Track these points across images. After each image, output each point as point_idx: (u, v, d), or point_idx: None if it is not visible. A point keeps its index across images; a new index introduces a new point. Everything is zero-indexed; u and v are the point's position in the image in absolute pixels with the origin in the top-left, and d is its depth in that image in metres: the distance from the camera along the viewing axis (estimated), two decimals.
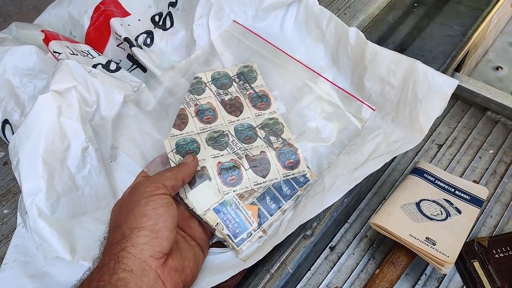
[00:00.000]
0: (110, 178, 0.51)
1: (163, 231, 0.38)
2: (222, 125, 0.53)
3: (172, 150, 0.49)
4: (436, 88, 0.49)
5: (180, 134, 0.52)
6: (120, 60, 0.66)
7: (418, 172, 0.58)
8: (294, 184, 0.49)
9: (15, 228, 0.47)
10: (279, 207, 0.48)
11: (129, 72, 0.61)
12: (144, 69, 0.64)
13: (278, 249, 0.48)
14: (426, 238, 0.49)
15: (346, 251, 0.56)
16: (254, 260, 0.43)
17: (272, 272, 0.46)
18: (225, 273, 0.43)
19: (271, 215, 0.47)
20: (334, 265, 0.55)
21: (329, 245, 0.56)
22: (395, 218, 0.51)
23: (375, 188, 0.61)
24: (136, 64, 0.65)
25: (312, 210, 0.45)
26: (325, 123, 0.53)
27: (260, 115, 0.55)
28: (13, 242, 0.46)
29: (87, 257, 0.43)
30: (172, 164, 0.48)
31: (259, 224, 0.46)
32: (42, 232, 0.42)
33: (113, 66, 0.58)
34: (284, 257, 0.47)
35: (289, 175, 0.50)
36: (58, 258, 0.43)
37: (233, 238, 0.45)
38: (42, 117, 0.45)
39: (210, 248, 0.47)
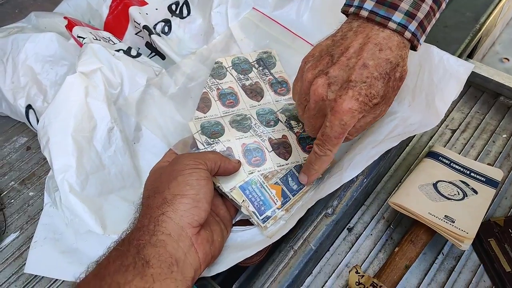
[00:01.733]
0: (134, 159, 0.52)
1: (202, 202, 0.39)
2: (244, 109, 0.55)
3: (197, 131, 0.50)
4: (451, 72, 0.50)
5: (204, 117, 0.53)
6: (139, 48, 0.67)
7: (434, 155, 0.59)
8: None
9: (41, 210, 0.48)
10: (301, 189, 0.49)
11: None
12: (163, 56, 0.66)
13: (301, 227, 0.49)
14: (445, 216, 0.50)
15: (364, 232, 0.56)
16: (279, 235, 0.44)
17: (296, 248, 0.47)
18: (250, 249, 0.44)
19: (293, 195, 0.49)
20: (353, 245, 0.56)
21: (347, 226, 0.57)
22: (414, 198, 0.52)
23: (390, 172, 0.62)
24: (155, 51, 0.66)
25: (331, 186, 0.46)
26: None
27: (280, 100, 0.57)
28: (41, 221, 0.47)
29: (117, 231, 0.44)
30: (199, 145, 0.49)
31: (283, 203, 0.48)
32: (74, 207, 0.43)
33: (133, 52, 0.60)
34: (307, 234, 0.48)
35: None
36: (90, 233, 0.44)
37: (258, 215, 0.46)
38: (70, 96, 0.46)
39: (233, 227, 0.48)
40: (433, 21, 0.43)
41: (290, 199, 0.48)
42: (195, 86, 0.58)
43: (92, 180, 0.46)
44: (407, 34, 0.40)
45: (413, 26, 0.40)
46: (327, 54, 0.42)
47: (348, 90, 0.39)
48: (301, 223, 0.49)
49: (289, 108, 0.55)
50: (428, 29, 0.43)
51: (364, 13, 0.40)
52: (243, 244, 0.46)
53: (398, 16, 0.40)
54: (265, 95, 0.57)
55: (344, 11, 0.44)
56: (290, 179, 0.49)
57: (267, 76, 0.58)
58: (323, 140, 0.42)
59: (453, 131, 0.65)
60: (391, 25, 0.40)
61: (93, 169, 0.46)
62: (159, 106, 0.55)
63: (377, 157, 0.47)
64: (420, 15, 0.40)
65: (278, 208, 0.48)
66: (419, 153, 0.63)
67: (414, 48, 0.43)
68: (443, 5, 0.43)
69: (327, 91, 0.40)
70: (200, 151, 0.49)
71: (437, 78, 0.49)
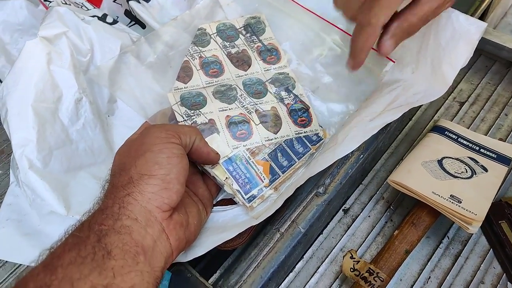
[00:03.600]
0: (107, 133, 0.47)
1: (174, 183, 0.34)
2: (229, 79, 0.50)
3: (177, 103, 0.45)
4: (461, 32, 0.44)
5: (184, 88, 0.48)
6: (118, 17, 0.61)
7: (439, 129, 0.54)
8: (307, 142, 0.46)
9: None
10: (291, 165, 0.44)
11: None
12: (143, 25, 0.60)
13: (289, 207, 0.44)
14: (451, 195, 0.44)
15: (361, 214, 0.52)
16: (265, 216, 0.40)
17: (283, 231, 0.42)
18: (232, 231, 0.40)
19: (283, 172, 0.44)
20: (348, 228, 0.51)
21: (343, 207, 0.52)
22: (416, 175, 0.47)
23: (391, 148, 0.57)
24: (134, 20, 0.61)
25: (323, 162, 0.41)
26: (340, 78, 0.49)
27: (270, 69, 0.51)
28: (5, 201, 0.43)
29: (82, 212, 0.39)
30: (178, 117, 0.44)
31: (271, 181, 0.43)
32: (34, 185, 0.39)
33: (109, 19, 0.54)
34: (295, 215, 0.43)
35: (301, 133, 0.46)
36: (53, 213, 0.40)
37: (243, 194, 0.42)
38: (30, 64, 0.41)
39: (214, 207, 0.44)
40: None
41: (279, 176, 0.44)
42: (176, 54, 0.52)
43: (57, 156, 0.41)
44: None
45: None
46: None
47: None
48: (289, 203, 0.45)
49: (279, 78, 0.50)
50: None
51: None
52: (224, 226, 0.42)
53: None
54: (253, 63, 0.51)
55: None
56: (279, 154, 0.45)
57: (255, 44, 0.53)
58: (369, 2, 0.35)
59: (461, 104, 0.60)
60: None
61: (58, 143, 0.42)
62: (135, 76, 0.50)
63: (375, 131, 0.42)
64: None
65: (266, 187, 0.43)
66: (423, 127, 0.58)
67: None
68: None
69: None
70: (179, 123, 0.44)
71: (445, 41, 0.44)
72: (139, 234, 0.31)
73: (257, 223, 0.40)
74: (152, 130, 0.37)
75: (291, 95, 0.48)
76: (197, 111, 0.45)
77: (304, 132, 0.46)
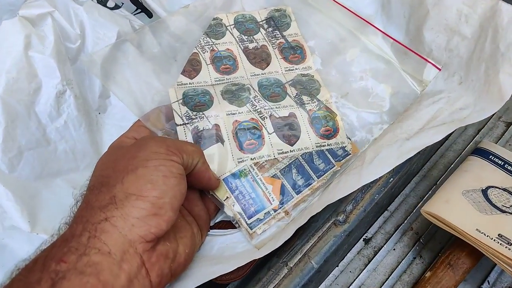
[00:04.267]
0: (96, 133, 0.41)
1: (166, 209, 0.28)
2: (242, 77, 0.43)
3: (177, 100, 0.38)
4: None
5: (189, 83, 0.41)
6: (123, 3, 0.55)
7: (482, 153, 0.46)
8: (330, 157, 0.38)
9: None
10: (309, 184, 0.37)
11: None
12: (150, 14, 0.54)
13: (301, 236, 0.37)
14: (499, 235, 0.36)
15: (385, 246, 0.44)
16: (270, 248, 0.33)
17: (291, 265, 0.35)
18: (229, 263, 0.33)
19: (297, 193, 0.36)
20: (369, 261, 0.43)
21: (364, 236, 0.44)
22: (456, 207, 0.39)
23: (423, 170, 0.49)
24: (141, 8, 0.55)
25: (345, 187, 0.34)
26: (374, 84, 0.42)
27: (292, 69, 0.44)
28: None
29: (51, 230, 0.33)
30: (177, 119, 0.37)
31: (281, 203, 0.35)
32: None
33: (111, 3, 0.48)
34: (308, 247, 0.36)
35: (324, 146, 0.38)
36: (15, 228, 0.33)
37: (246, 218, 0.35)
38: (3, 47, 0.35)
39: (211, 230, 0.37)
40: None
41: (292, 198, 0.36)
42: (183, 47, 0.46)
43: (28, 158, 0.35)
44: None
45: None
46: None
47: None
48: (301, 231, 0.37)
49: (301, 80, 0.43)
50: None
51: None
52: (221, 255, 0.35)
53: None
54: (273, 62, 0.44)
55: None
56: (294, 171, 0.37)
57: (277, 39, 0.46)
58: None
59: (508, 124, 0.51)
60: None
61: (31, 143, 0.35)
62: (133, 68, 0.43)
63: (411, 154, 0.34)
64: None
65: (274, 210, 0.36)
66: (462, 149, 0.50)
67: None
68: None
69: None
70: (177, 126, 0.37)
71: (505, 45, 0.36)
72: (111, 273, 0.24)
73: (260, 256, 0.33)
74: (150, 143, 0.30)
75: (315, 100, 0.41)
76: (201, 113, 0.38)
77: (328, 144, 0.38)
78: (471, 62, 0.39)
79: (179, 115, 0.38)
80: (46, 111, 0.37)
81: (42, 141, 0.36)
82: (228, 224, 0.37)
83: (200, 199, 0.36)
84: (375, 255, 0.44)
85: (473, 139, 0.51)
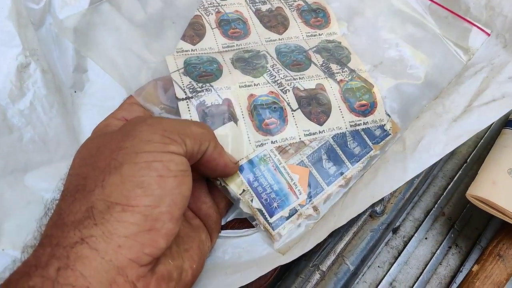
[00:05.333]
0: (72, 116, 0.33)
1: (164, 221, 0.20)
2: (256, 43, 0.35)
3: (178, 70, 0.31)
4: None
5: (192, 50, 0.33)
6: None
7: None
8: (367, 139, 0.31)
9: None
10: (341, 173, 0.30)
11: None
12: None
13: (331, 234, 0.30)
14: None
15: (416, 235, 0.39)
16: (298, 253, 0.27)
17: (324, 269, 0.29)
18: (248, 272, 0.26)
19: (328, 184, 0.30)
20: (399, 254, 0.38)
21: (392, 225, 0.39)
22: (505, 189, 0.34)
23: None
24: None
25: (388, 180, 0.28)
26: (413, 52, 0.36)
27: (315, 35, 0.37)
28: None
29: (20, 244, 0.25)
30: (179, 92, 0.30)
31: (309, 197, 0.29)
32: None
33: None
34: (342, 246, 0.30)
35: (359, 125, 0.32)
36: None
37: (267, 215, 0.28)
38: None
39: (222, 231, 0.30)
40: None
41: (323, 190, 0.30)
42: (180, 10, 0.38)
43: None
44: None
45: None
46: None
47: None
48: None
49: (327, 47, 0.36)
50: None
51: None
52: (236, 262, 0.28)
53: None
54: (291, 26, 0.37)
55: None
56: (325, 156, 0.30)
57: (295, 1, 0.39)
58: None
59: None
60: None
61: None
62: (117, 34, 0.35)
63: (463, 140, 0.29)
64: None
65: (302, 205, 0.29)
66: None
67: None
68: None
69: None
70: (179, 101, 0.30)
71: None
72: None
73: (285, 262, 0.27)
74: (140, 127, 0.23)
75: (346, 69, 0.34)
76: (208, 84, 0.31)
77: (364, 123, 0.32)
78: None
79: (180, 87, 0.30)
80: (6, 90, 0.29)
81: (3, 128, 0.28)
82: (243, 223, 0.30)
83: (208, 193, 0.29)
84: (405, 246, 0.38)
85: None
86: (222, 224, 0.31)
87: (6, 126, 0.29)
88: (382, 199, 0.31)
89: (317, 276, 0.29)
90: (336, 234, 0.30)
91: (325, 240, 0.30)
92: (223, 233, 0.30)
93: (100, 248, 0.19)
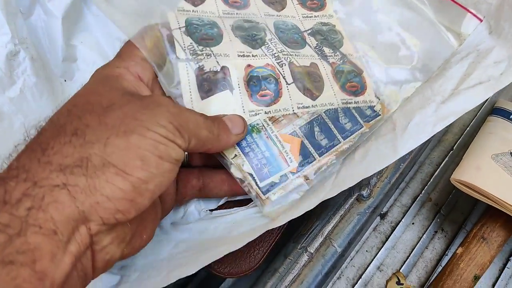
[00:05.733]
0: (62, 104, 0.33)
1: (145, 197, 0.21)
2: (255, 15, 0.35)
3: (179, 28, 0.31)
4: None
5: (193, 11, 0.33)
6: None
7: (502, 112, 0.42)
8: (358, 117, 0.32)
9: None
10: (333, 146, 0.30)
11: None
12: None
13: (320, 216, 0.31)
14: None
15: (403, 220, 0.40)
16: (287, 218, 0.27)
17: (312, 251, 0.30)
18: (239, 241, 0.27)
19: (320, 154, 0.30)
20: (387, 239, 0.39)
21: (380, 211, 0.40)
22: (488, 173, 0.34)
23: (437, 135, 0.44)
24: None
25: (379, 159, 0.28)
26: (405, 36, 0.36)
27: (310, 16, 0.37)
28: None
29: None
30: (179, 52, 0.29)
31: (301, 166, 0.29)
32: None
33: None
34: (329, 229, 0.30)
35: (350, 103, 0.32)
36: None
37: (257, 180, 0.28)
38: None
39: (214, 212, 0.31)
40: None
41: (314, 160, 0.30)
42: None
43: None
44: None
45: None
46: None
47: None
48: (320, 209, 0.32)
49: (322, 30, 0.36)
50: None
51: None
52: (226, 236, 0.29)
53: None
54: (288, 5, 0.37)
55: None
56: (317, 129, 0.31)
57: None
58: None
59: None
60: None
61: None
62: (105, 22, 0.35)
63: (451, 120, 0.29)
64: None
65: (292, 173, 0.29)
66: (477, 109, 0.46)
67: None
68: None
69: None
70: (179, 62, 0.29)
71: None
72: (52, 260, 0.18)
73: (275, 226, 0.27)
74: (160, 110, 0.23)
75: (338, 53, 0.34)
76: (208, 49, 0.31)
77: (355, 102, 0.33)
78: (503, 6, 0.33)
79: (182, 46, 0.30)
80: None
81: None
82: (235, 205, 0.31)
83: (175, 181, 0.29)
84: (392, 231, 0.39)
85: (488, 98, 0.46)
86: (215, 208, 0.31)
87: None
88: (369, 183, 0.32)
89: (305, 257, 0.29)
90: (324, 217, 0.31)
91: (312, 222, 0.31)
92: (215, 213, 0.31)
93: (79, 198, 0.19)
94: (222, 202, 0.31)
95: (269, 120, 0.30)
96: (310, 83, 0.32)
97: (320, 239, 0.30)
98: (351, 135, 0.31)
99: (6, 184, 0.19)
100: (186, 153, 0.25)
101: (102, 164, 0.20)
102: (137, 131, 0.21)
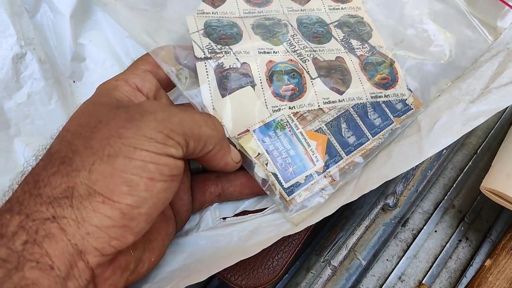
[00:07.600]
0: (72, 107, 0.32)
1: (139, 221, 0.20)
2: (278, 12, 0.34)
3: (198, 31, 0.30)
4: None
5: (212, 13, 0.32)
6: None
7: None
8: (388, 112, 0.30)
9: None
10: (361, 144, 0.29)
11: None
12: None
13: (344, 227, 0.30)
14: None
15: (425, 228, 0.38)
16: (309, 222, 0.26)
17: (336, 264, 0.28)
18: (253, 246, 0.25)
19: (347, 153, 0.29)
20: (408, 247, 0.37)
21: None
22: None
23: (460, 138, 0.42)
24: None
25: (404, 160, 0.27)
26: (437, 30, 0.34)
27: (337, 8, 0.36)
28: None
29: None
30: (198, 51, 0.28)
31: (326, 165, 0.28)
32: None
33: None
34: (354, 241, 0.29)
35: (380, 97, 0.31)
36: None
37: (282, 181, 0.27)
38: None
39: (229, 219, 0.29)
40: None
41: (341, 159, 0.28)
42: None
43: None
44: None
45: None
46: None
47: None
48: (344, 220, 0.30)
49: (349, 22, 0.35)
50: None
51: None
52: (241, 246, 0.27)
53: None
54: None
55: None
56: (344, 125, 0.29)
57: None
58: None
59: None
60: None
61: None
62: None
63: (481, 121, 0.28)
64: None
65: (319, 172, 0.28)
66: (502, 110, 0.44)
67: None
68: None
69: None
70: (197, 61, 0.28)
71: None
72: None
73: (297, 230, 0.26)
74: (147, 119, 0.21)
75: (366, 45, 0.33)
76: (227, 47, 0.30)
77: (385, 95, 0.31)
78: None
79: (199, 46, 0.29)
80: (1, 82, 0.27)
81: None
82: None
83: (188, 189, 0.28)
84: (414, 239, 0.37)
85: None
86: (231, 216, 0.30)
87: (3, 121, 0.27)
88: (395, 191, 0.30)
89: (328, 271, 0.28)
90: (348, 228, 0.29)
91: (336, 234, 0.29)
92: (229, 220, 0.29)
93: (69, 231, 0.18)
94: (239, 210, 0.30)
95: (294, 116, 0.28)
96: (336, 77, 0.30)
97: (344, 252, 0.28)
98: (380, 131, 0.29)
99: (2, 217, 0.18)
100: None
101: (88, 193, 0.19)
102: (122, 153, 0.19)
